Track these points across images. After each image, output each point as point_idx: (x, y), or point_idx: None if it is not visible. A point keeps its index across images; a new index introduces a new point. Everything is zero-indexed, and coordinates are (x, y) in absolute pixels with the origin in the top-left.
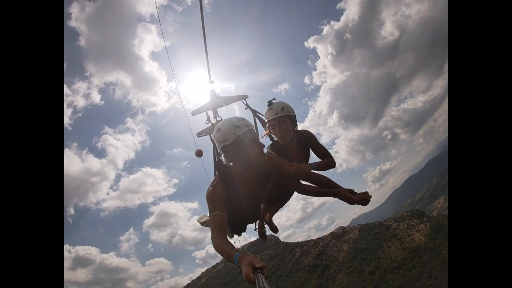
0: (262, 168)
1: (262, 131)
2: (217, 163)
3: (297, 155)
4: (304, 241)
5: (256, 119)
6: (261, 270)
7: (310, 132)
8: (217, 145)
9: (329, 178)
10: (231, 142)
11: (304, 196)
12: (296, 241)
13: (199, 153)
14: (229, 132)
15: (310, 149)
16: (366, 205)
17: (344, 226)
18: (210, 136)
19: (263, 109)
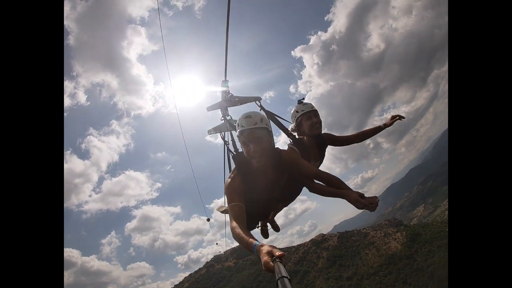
0: (278, 163)
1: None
2: (236, 156)
3: (315, 155)
4: (285, 248)
5: (271, 121)
6: (279, 259)
7: (329, 133)
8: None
9: (340, 179)
10: (238, 135)
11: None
12: (277, 247)
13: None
14: (238, 125)
15: (325, 151)
16: (373, 210)
17: (325, 233)
18: (221, 134)
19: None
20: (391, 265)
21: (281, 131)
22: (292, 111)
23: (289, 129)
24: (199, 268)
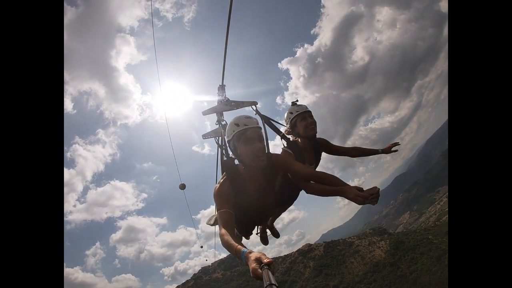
0: (268, 168)
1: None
2: (225, 162)
3: (310, 158)
4: (273, 258)
5: (266, 125)
6: (268, 266)
7: (325, 139)
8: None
9: (337, 177)
10: (230, 138)
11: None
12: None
13: (182, 187)
14: (230, 129)
15: (320, 155)
16: (375, 203)
17: (311, 243)
18: (215, 139)
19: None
20: (376, 273)
21: (276, 136)
22: (286, 113)
23: (283, 132)
24: (187, 280)
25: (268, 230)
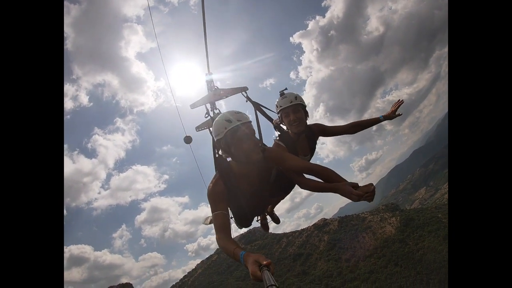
0: (262, 162)
1: (265, 124)
2: (217, 159)
3: (304, 149)
4: (290, 232)
5: (258, 112)
6: (267, 267)
7: (319, 124)
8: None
9: (333, 171)
10: (222, 136)
11: None
12: (283, 232)
13: (187, 140)
14: (221, 126)
15: (316, 143)
16: (370, 201)
17: (327, 218)
18: (209, 130)
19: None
20: (385, 248)
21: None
22: (275, 105)
23: (275, 121)
24: (210, 255)
25: (268, 216)
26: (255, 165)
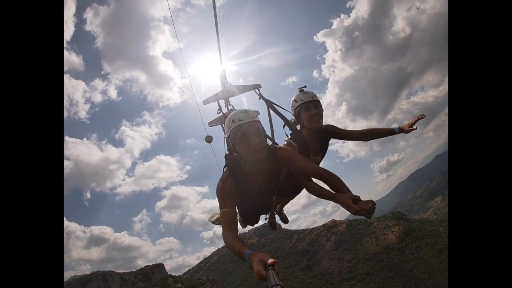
0: (272, 161)
1: (277, 122)
2: (227, 156)
3: (315, 149)
4: (301, 230)
5: (271, 110)
6: (272, 267)
7: (332, 125)
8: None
9: (339, 179)
10: (228, 135)
11: None
12: (294, 229)
13: (208, 140)
14: (227, 125)
15: (327, 145)
16: (369, 217)
17: (336, 219)
18: (222, 126)
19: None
20: (384, 254)
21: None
22: (291, 100)
23: (290, 120)
24: (224, 245)
25: (277, 216)
26: (265, 164)
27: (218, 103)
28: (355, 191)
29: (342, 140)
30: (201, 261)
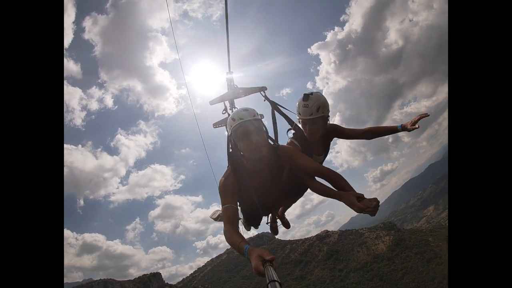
0: (274, 160)
1: (281, 124)
2: (230, 154)
3: (318, 149)
4: (294, 240)
5: (276, 112)
6: (270, 263)
7: (335, 125)
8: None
9: (342, 177)
10: (230, 134)
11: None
12: (288, 239)
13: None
14: (228, 124)
15: (330, 144)
16: (373, 215)
17: (328, 230)
18: (226, 127)
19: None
20: (374, 263)
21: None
22: (297, 103)
23: (295, 121)
24: (220, 254)
25: (278, 220)
26: (267, 162)
27: (224, 104)
28: None
29: (339, 143)
30: (195, 270)
